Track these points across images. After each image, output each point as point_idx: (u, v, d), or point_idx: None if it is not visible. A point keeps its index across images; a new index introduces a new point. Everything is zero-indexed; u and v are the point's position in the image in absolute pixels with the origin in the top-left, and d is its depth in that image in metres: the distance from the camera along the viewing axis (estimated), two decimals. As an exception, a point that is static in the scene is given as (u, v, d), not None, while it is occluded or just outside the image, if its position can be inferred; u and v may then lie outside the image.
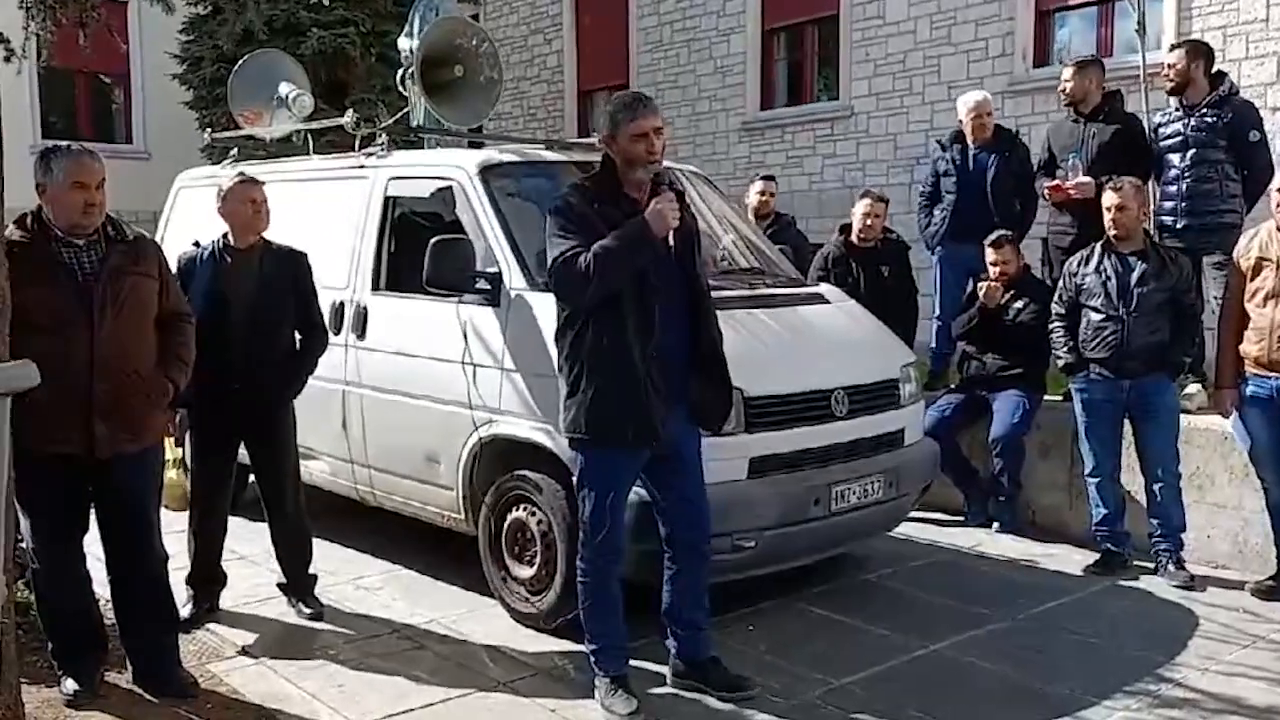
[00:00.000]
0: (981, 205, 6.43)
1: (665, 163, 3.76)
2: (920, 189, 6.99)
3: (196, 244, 4.67)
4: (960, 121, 6.68)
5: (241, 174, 4.68)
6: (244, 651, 4.29)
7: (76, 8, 4.00)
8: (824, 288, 5.41)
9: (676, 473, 3.78)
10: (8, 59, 2.82)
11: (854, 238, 6.59)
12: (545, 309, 4.32)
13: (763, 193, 7.26)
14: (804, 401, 4.43)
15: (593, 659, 3.83)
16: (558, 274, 3.54)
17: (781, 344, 4.59)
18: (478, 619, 4.63)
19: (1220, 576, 5.15)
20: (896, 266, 6.59)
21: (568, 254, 3.49)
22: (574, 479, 3.86)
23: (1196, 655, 4.24)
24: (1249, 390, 4.80)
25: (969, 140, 6.59)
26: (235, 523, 4.89)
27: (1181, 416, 5.31)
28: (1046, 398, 5.95)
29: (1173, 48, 6.01)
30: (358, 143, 5.73)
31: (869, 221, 6.56)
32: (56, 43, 4.28)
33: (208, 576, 4.67)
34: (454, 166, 4.99)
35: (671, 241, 3.58)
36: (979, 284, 6.06)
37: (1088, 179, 5.79)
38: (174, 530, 4.28)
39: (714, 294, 3.89)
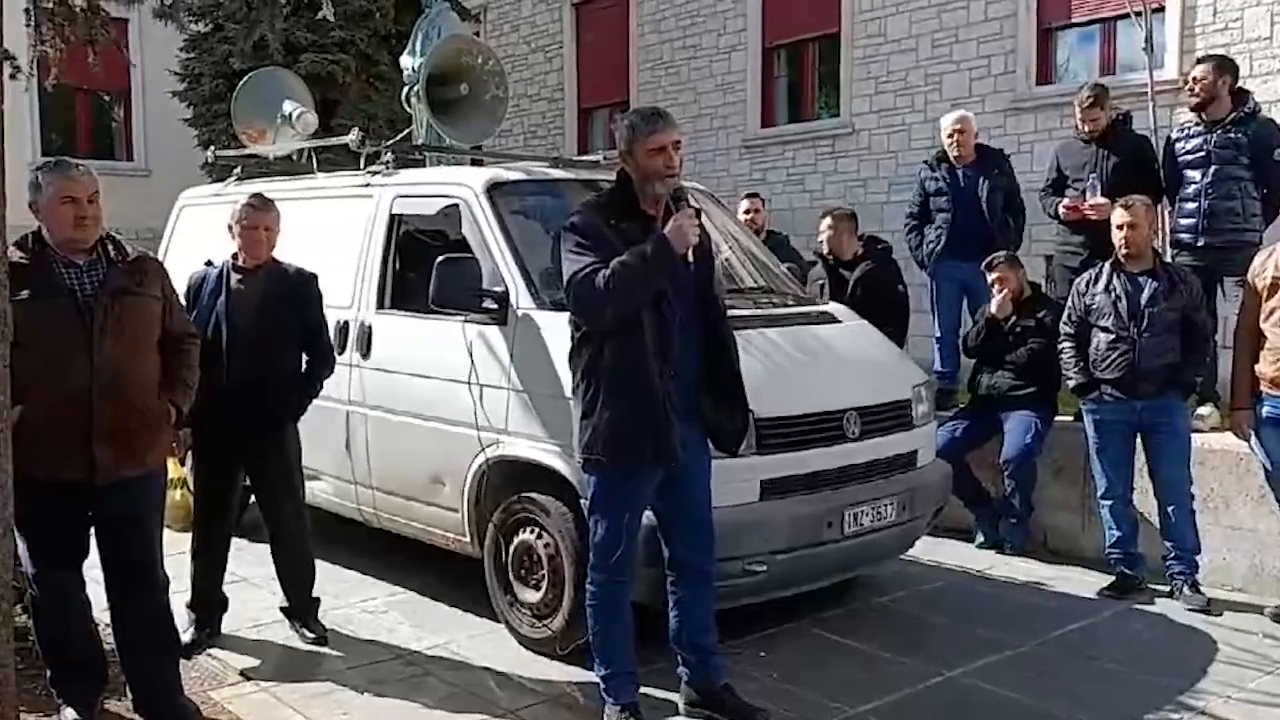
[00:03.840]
0: (976, 222, 6.49)
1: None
2: (907, 209, 7.01)
3: (209, 263, 4.62)
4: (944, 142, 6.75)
5: (256, 195, 4.62)
6: (247, 677, 4.21)
7: (86, 26, 3.94)
8: (833, 306, 5.36)
9: (684, 494, 3.71)
10: (14, 76, 2.76)
11: (823, 253, 6.65)
12: (553, 328, 4.27)
13: (749, 210, 7.22)
14: (816, 423, 4.36)
15: (603, 686, 3.75)
16: (575, 292, 3.47)
17: (792, 364, 4.53)
18: (484, 643, 4.56)
19: (1237, 600, 5.09)
20: (870, 279, 6.43)
21: (585, 271, 3.42)
22: (585, 502, 3.78)
23: (1217, 681, 4.17)
24: (1265, 411, 4.74)
25: (953, 160, 6.62)
26: (238, 544, 4.81)
27: (1195, 437, 5.27)
28: (1058, 418, 5.90)
29: (1198, 62, 5.95)
30: (362, 161, 5.68)
31: (823, 236, 6.61)
32: (66, 61, 4.21)
33: (210, 600, 4.59)
34: (460, 185, 4.94)
35: (690, 258, 3.52)
36: (990, 299, 6.03)
37: (1104, 200, 5.73)
38: (176, 552, 4.21)
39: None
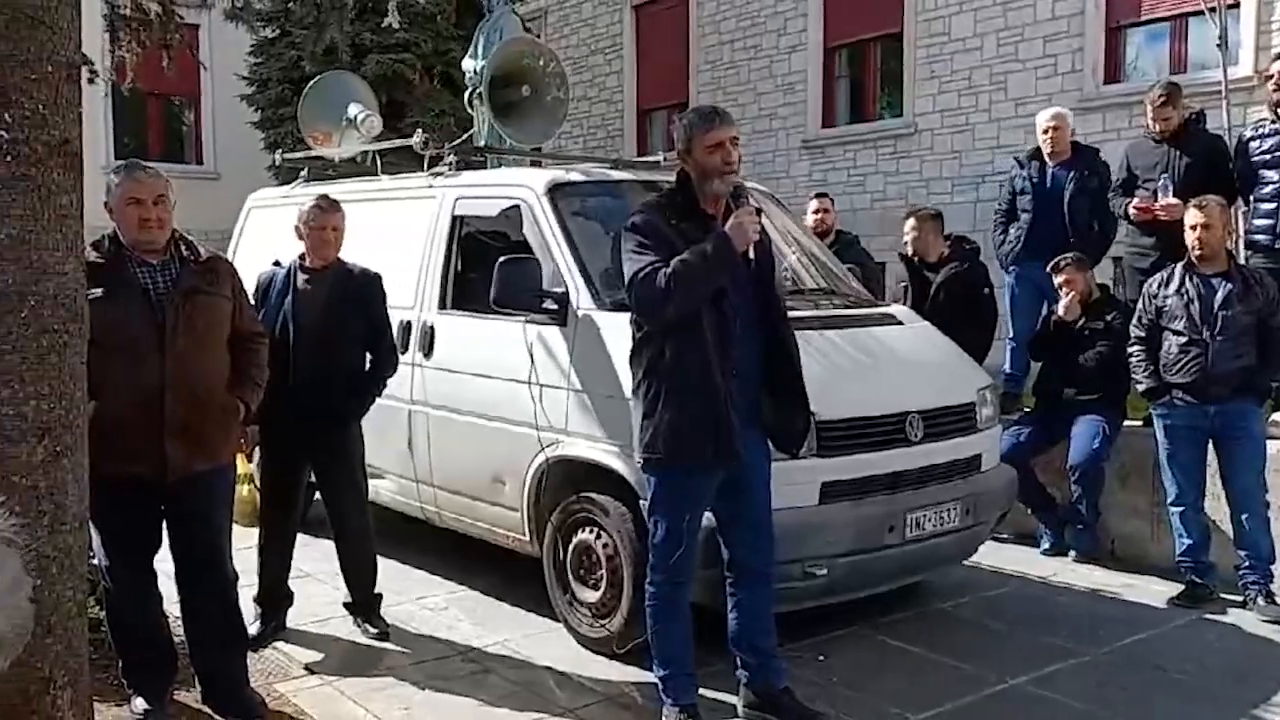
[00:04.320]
0: (1057, 223, 6.31)
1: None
2: (996, 206, 6.89)
3: (277, 263, 4.70)
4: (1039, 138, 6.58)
5: (323, 197, 4.70)
6: (310, 670, 4.28)
7: (161, 31, 4.04)
8: (896, 308, 5.30)
9: (744, 496, 3.69)
10: (91, 81, 2.83)
11: (908, 254, 6.56)
12: (613, 329, 4.28)
13: (818, 210, 7.20)
14: (878, 425, 4.32)
15: (661, 686, 3.74)
16: (636, 291, 3.47)
17: (854, 366, 4.49)
18: (543, 642, 4.58)
19: (1314, 612, 4.94)
20: (954, 281, 6.32)
21: (646, 270, 3.42)
22: (644, 502, 3.78)
23: (1292, 695, 4.06)
24: (1344, 417, 4.61)
25: (1046, 157, 6.47)
26: (302, 540, 4.88)
27: (1270, 444, 5.13)
28: (1127, 422, 5.77)
29: (1278, 57, 5.80)
30: (426, 163, 5.74)
31: (907, 237, 6.52)
32: (140, 65, 4.31)
33: (275, 594, 4.67)
34: (521, 186, 4.97)
35: (751, 255, 3.51)
36: (1059, 302, 5.92)
37: (1176, 201, 5.60)
38: (243, 547, 4.28)
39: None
